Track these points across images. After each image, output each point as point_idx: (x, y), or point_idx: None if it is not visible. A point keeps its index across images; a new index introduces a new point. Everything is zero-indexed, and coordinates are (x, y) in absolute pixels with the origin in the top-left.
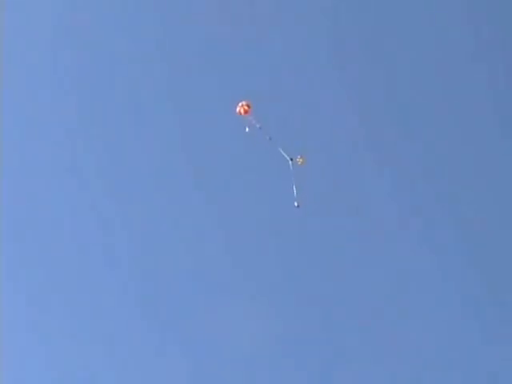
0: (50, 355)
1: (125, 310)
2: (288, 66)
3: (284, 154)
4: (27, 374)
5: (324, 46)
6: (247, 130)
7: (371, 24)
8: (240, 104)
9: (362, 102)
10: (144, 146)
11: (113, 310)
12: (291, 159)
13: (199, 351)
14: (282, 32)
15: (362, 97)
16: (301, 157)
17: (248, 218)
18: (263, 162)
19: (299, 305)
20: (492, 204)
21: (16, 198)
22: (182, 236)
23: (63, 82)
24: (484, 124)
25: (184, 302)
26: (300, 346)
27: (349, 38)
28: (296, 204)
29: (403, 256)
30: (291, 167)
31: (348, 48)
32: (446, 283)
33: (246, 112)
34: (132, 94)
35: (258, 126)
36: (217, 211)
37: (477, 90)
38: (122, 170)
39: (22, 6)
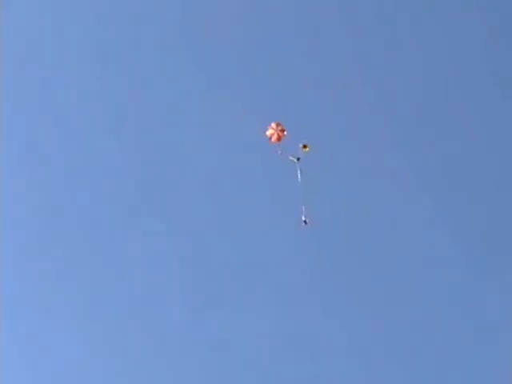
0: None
1: (127, 308)
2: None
3: (292, 158)
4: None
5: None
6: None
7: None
8: (274, 126)
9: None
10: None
11: (114, 311)
12: (298, 159)
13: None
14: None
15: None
16: (304, 145)
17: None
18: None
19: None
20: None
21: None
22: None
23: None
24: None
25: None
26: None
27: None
28: (303, 219)
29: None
30: (299, 173)
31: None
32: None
33: (279, 139)
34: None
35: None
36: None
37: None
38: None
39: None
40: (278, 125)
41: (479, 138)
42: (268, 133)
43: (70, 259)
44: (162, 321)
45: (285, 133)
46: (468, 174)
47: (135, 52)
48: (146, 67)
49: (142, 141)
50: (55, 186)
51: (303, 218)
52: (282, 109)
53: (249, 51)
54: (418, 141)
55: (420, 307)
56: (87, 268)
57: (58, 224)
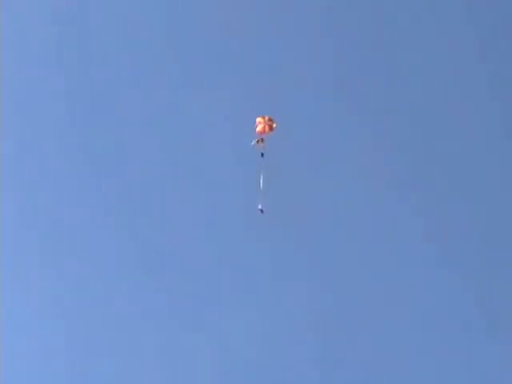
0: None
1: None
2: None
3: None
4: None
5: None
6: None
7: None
8: (261, 119)
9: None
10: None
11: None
12: (262, 154)
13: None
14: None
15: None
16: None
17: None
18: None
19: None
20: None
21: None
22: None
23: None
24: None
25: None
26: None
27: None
28: (260, 207)
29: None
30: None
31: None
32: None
33: (270, 128)
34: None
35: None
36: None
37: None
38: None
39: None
40: (263, 117)
41: (478, 139)
42: (258, 129)
43: (69, 259)
44: (157, 318)
45: (273, 123)
46: (465, 176)
47: (134, 52)
48: (143, 67)
49: (140, 141)
50: (55, 186)
51: (259, 207)
52: (280, 109)
53: (247, 52)
54: (414, 141)
55: (404, 307)
56: (87, 267)
57: (58, 224)
